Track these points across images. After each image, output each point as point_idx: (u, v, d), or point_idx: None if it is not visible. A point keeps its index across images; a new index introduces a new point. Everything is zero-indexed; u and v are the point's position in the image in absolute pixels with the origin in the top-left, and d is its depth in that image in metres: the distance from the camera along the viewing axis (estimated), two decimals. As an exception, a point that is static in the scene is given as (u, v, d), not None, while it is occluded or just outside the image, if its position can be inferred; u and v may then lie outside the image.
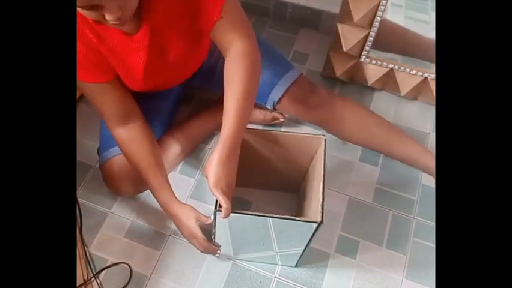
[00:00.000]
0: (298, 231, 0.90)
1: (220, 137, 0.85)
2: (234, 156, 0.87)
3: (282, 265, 1.10)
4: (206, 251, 1.00)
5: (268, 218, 0.87)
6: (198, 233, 0.96)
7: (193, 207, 0.97)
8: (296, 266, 1.09)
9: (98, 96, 0.94)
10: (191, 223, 0.96)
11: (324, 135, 0.96)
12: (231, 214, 0.83)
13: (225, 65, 0.89)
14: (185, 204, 0.98)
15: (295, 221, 0.86)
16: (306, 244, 0.95)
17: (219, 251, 1.02)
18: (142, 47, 0.88)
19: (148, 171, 0.99)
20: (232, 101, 0.85)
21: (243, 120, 0.86)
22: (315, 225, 0.87)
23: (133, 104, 1.00)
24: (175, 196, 0.99)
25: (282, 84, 1.10)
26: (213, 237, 0.97)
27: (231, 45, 0.88)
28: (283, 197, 1.19)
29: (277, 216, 0.86)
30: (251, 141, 1.01)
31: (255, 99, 0.91)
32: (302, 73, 1.14)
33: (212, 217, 0.90)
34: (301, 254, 1.01)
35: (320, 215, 0.86)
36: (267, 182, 1.16)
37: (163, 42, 0.91)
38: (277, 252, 1.02)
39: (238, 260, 1.10)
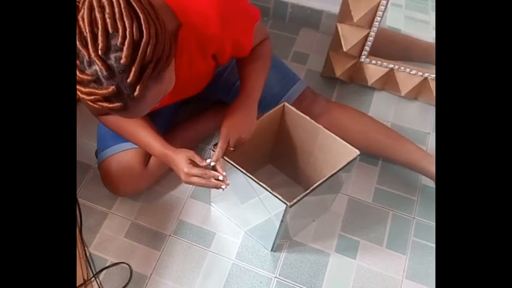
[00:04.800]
0: (273, 205, 0.93)
1: (239, 94, 0.96)
2: (250, 111, 0.96)
3: (258, 242, 1.12)
4: (208, 184, 0.94)
5: (251, 180, 0.92)
6: (192, 170, 0.92)
7: (187, 151, 0.94)
8: (272, 250, 1.10)
9: None
10: (182, 164, 0.92)
11: (359, 152, 0.97)
12: (221, 159, 0.92)
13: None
14: (179, 149, 0.95)
15: (270, 193, 0.90)
16: (279, 224, 0.96)
17: (223, 186, 0.94)
18: None
19: (140, 130, 0.98)
20: (250, 67, 0.98)
21: (259, 82, 0.99)
22: (284, 206, 0.89)
23: None
24: (168, 144, 0.97)
25: (290, 95, 1.15)
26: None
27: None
28: (296, 190, 1.18)
29: (256, 180, 0.91)
30: (302, 127, 1.07)
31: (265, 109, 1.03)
32: (308, 86, 1.18)
33: (208, 160, 0.93)
34: (276, 235, 1.02)
35: (294, 201, 0.89)
36: (293, 168, 1.19)
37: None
38: (255, 223, 1.07)
39: (220, 210, 1.16)
